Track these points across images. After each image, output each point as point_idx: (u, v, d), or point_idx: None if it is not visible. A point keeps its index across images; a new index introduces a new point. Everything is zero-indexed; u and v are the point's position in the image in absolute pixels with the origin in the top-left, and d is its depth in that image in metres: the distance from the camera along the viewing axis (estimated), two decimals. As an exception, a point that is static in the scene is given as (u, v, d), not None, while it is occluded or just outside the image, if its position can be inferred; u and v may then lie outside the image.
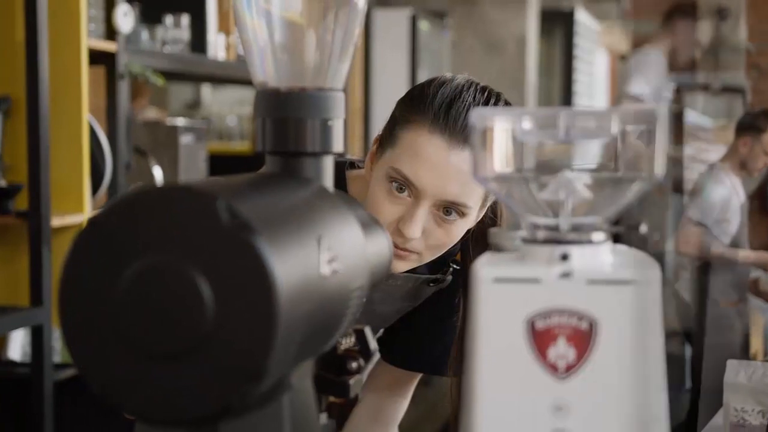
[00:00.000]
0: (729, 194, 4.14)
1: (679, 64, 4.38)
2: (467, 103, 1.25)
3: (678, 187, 4.78)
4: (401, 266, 1.30)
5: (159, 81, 2.75)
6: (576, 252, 0.69)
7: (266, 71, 0.79)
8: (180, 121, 3.18)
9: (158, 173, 2.94)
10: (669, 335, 3.97)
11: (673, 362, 3.93)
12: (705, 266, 4.19)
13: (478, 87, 1.28)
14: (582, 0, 7.29)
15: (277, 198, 0.69)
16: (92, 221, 0.63)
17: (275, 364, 0.61)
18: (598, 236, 0.70)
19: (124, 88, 2.68)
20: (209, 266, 0.60)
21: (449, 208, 1.25)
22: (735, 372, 1.89)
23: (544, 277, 0.68)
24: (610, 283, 0.67)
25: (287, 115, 0.77)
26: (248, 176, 0.73)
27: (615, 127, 0.68)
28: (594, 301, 0.67)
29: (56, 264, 2.40)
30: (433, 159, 1.22)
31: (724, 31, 9.27)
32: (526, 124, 0.70)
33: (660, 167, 0.68)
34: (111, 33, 2.66)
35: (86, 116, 2.50)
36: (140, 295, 0.61)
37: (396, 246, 1.26)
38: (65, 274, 0.63)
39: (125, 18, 2.64)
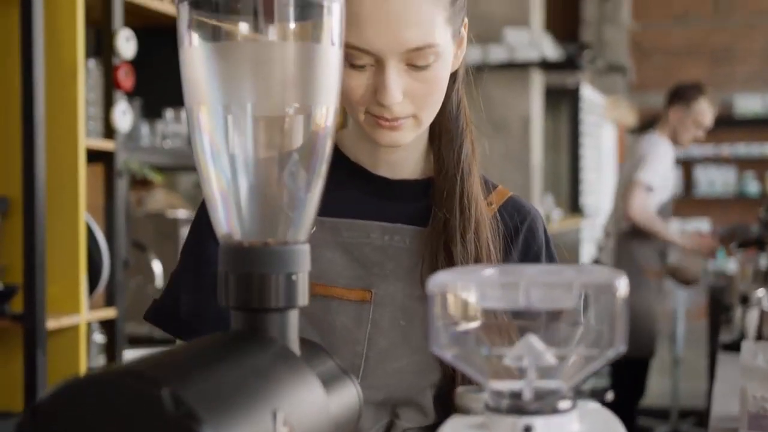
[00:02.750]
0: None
1: (682, 144, 4.40)
2: None
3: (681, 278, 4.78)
4: (402, 137, 1.18)
5: (157, 178, 2.75)
6: (540, 423, 0.66)
7: (230, 224, 0.78)
8: (182, 213, 3.18)
9: (158, 268, 2.93)
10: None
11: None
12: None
13: None
14: (587, 75, 7.33)
15: (231, 371, 0.67)
16: (34, 408, 0.61)
17: None
18: (564, 404, 0.68)
19: (122, 186, 2.69)
20: (153, 456, 0.58)
21: (418, 61, 1.13)
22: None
23: (506, 453, 0.65)
24: (574, 460, 0.65)
25: (251, 271, 0.76)
26: (203, 344, 0.72)
27: (575, 298, 0.66)
28: (558, 478, 0.65)
29: (51, 368, 2.38)
30: (373, 16, 1.10)
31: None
32: (487, 291, 0.68)
33: (622, 339, 0.66)
34: (110, 130, 2.68)
35: (83, 216, 2.50)
36: (83, 485, 0.59)
37: (385, 119, 1.15)
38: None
39: (124, 116, 2.66)
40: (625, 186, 4.30)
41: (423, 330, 1.22)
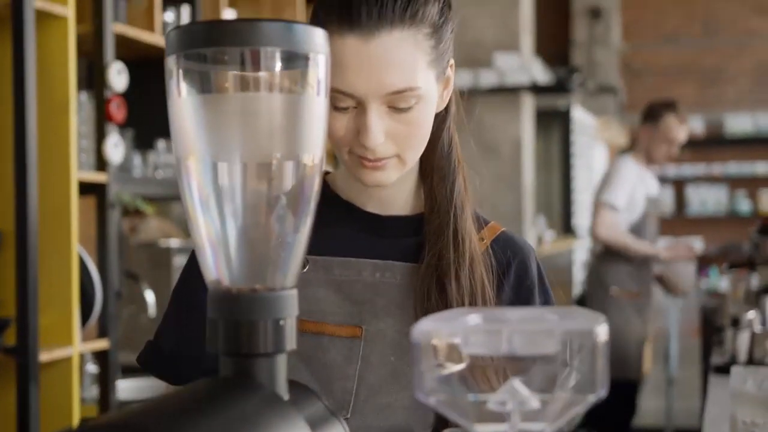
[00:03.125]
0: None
1: (658, 162, 4.39)
2: None
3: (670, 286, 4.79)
4: (386, 176, 1.19)
5: (148, 210, 2.77)
6: (524, 467, 0.68)
7: (219, 271, 0.79)
8: (174, 242, 3.19)
9: (150, 297, 2.93)
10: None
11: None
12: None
13: None
14: (578, 97, 7.38)
15: (220, 418, 0.68)
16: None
17: None
18: (548, 449, 0.69)
19: (114, 218, 2.70)
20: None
21: (399, 103, 1.14)
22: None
23: (491, 498, 0.67)
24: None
25: (239, 318, 0.77)
26: (192, 390, 0.73)
27: (557, 344, 0.68)
28: None
29: (44, 400, 2.39)
30: (354, 60, 1.12)
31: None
32: (470, 338, 0.70)
33: (603, 383, 0.68)
34: (102, 163, 2.69)
35: (76, 248, 2.51)
36: None
37: (368, 159, 1.17)
38: None
39: (116, 149, 2.68)
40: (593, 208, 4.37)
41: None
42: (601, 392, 0.68)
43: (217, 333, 0.78)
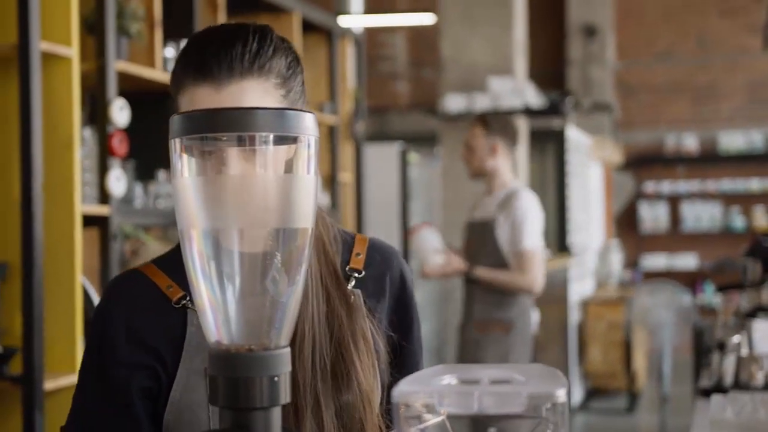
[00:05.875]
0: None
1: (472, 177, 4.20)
2: (220, 37, 1.24)
3: None
4: None
5: (149, 240, 2.85)
6: None
7: (219, 332, 0.87)
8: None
9: (152, 325, 3.00)
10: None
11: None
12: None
13: (231, 25, 1.26)
14: (573, 117, 7.45)
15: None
16: None
17: None
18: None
19: (116, 249, 2.78)
20: None
21: None
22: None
23: None
24: None
25: (237, 375, 0.86)
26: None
27: (522, 405, 0.76)
28: None
29: (49, 429, 2.46)
30: (207, 104, 1.20)
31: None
32: (444, 399, 0.78)
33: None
34: (105, 196, 2.77)
35: (79, 278, 2.59)
36: None
37: None
38: None
39: (118, 182, 2.76)
40: None
41: None
42: (562, 447, 0.76)
43: (217, 389, 0.86)
